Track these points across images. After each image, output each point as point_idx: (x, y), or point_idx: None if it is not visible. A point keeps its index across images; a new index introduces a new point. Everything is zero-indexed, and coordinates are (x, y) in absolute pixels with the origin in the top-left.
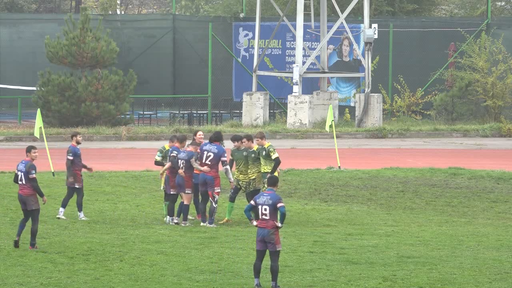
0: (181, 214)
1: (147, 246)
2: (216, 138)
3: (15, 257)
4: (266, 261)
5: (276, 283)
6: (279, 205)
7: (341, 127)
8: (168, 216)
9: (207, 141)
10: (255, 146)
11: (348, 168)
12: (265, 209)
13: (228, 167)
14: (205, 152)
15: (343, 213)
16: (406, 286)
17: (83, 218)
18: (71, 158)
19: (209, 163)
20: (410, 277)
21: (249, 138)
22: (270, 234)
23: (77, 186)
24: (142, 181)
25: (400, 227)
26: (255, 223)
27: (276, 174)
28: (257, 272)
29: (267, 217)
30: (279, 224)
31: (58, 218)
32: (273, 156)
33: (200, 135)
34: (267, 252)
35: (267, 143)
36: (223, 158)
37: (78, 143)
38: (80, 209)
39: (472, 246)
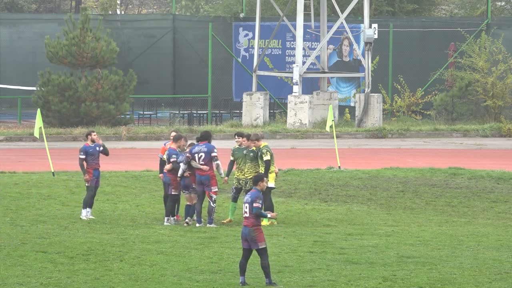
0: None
1: (147, 246)
2: (204, 137)
3: (15, 257)
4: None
5: (270, 280)
6: (254, 204)
7: (341, 127)
8: (170, 217)
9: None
10: (262, 143)
11: (348, 168)
12: (246, 207)
13: (219, 162)
14: (196, 155)
15: (343, 213)
16: (406, 286)
17: (82, 217)
18: (82, 157)
19: (203, 163)
20: (410, 277)
21: (249, 137)
22: (250, 233)
23: (87, 184)
24: (142, 181)
25: (400, 227)
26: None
27: (274, 174)
28: (242, 270)
29: (248, 215)
30: (268, 215)
31: (84, 218)
32: (264, 158)
33: None
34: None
35: (263, 143)
36: (213, 154)
37: (93, 141)
38: (84, 207)
39: (472, 246)
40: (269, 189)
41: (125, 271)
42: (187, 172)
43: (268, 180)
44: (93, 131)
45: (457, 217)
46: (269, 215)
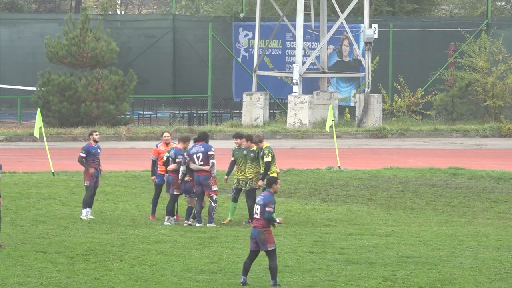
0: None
1: (147, 246)
2: (201, 138)
3: (15, 257)
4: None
5: (276, 281)
6: (267, 208)
7: (341, 127)
8: (169, 216)
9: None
10: (254, 146)
11: (348, 168)
12: (257, 209)
13: (214, 161)
14: (194, 155)
15: (343, 213)
16: (406, 286)
17: (83, 217)
18: (83, 155)
19: (202, 163)
20: (410, 277)
21: (249, 138)
22: (260, 234)
23: (85, 184)
24: (142, 181)
25: (400, 227)
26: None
27: (275, 174)
28: (245, 270)
29: (258, 216)
30: (277, 220)
31: (85, 218)
32: (265, 159)
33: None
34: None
35: (265, 144)
36: (210, 152)
37: (95, 141)
38: (84, 207)
39: (472, 246)
40: None
41: (125, 271)
42: (188, 177)
43: None
44: (96, 131)
45: (457, 217)
46: (278, 220)
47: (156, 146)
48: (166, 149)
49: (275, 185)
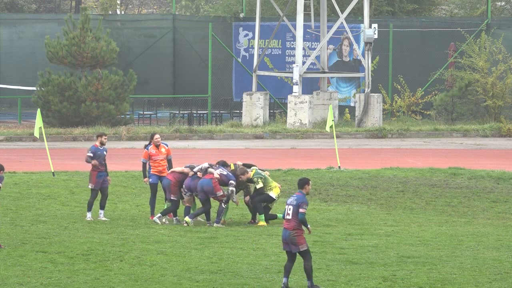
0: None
1: (147, 246)
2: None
3: (15, 257)
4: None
5: (312, 282)
6: (300, 209)
7: (341, 127)
8: (161, 216)
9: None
10: (250, 174)
11: (348, 168)
12: (290, 209)
13: (234, 189)
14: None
15: (343, 213)
16: (406, 286)
17: (88, 219)
18: (91, 155)
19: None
20: (410, 277)
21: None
22: (291, 236)
23: (90, 187)
24: (142, 181)
25: (400, 227)
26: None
27: (278, 189)
28: (286, 271)
29: (290, 217)
30: (307, 230)
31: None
32: (258, 187)
33: (156, 138)
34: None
35: (252, 172)
36: (230, 181)
37: (102, 144)
38: (88, 209)
39: (472, 246)
40: (270, 199)
41: (125, 271)
42: (201, 174)
43: (272, 191)
44: (105, 134)
45: (457, 217)
46: (309, 226)
47: (147, 148)
48: (157, 152)
49: (308, 186)
